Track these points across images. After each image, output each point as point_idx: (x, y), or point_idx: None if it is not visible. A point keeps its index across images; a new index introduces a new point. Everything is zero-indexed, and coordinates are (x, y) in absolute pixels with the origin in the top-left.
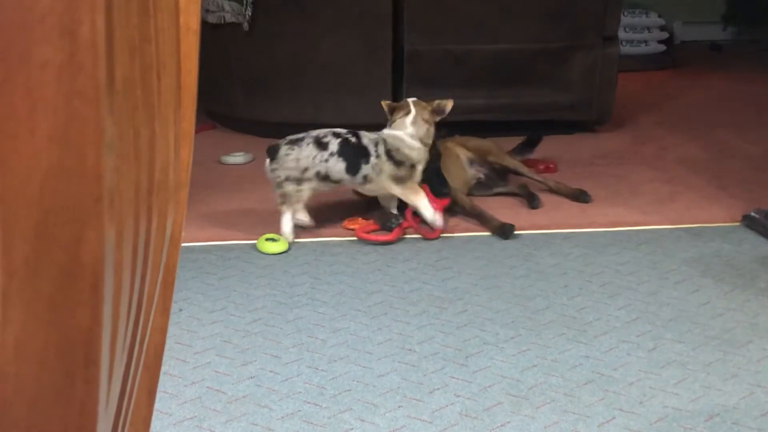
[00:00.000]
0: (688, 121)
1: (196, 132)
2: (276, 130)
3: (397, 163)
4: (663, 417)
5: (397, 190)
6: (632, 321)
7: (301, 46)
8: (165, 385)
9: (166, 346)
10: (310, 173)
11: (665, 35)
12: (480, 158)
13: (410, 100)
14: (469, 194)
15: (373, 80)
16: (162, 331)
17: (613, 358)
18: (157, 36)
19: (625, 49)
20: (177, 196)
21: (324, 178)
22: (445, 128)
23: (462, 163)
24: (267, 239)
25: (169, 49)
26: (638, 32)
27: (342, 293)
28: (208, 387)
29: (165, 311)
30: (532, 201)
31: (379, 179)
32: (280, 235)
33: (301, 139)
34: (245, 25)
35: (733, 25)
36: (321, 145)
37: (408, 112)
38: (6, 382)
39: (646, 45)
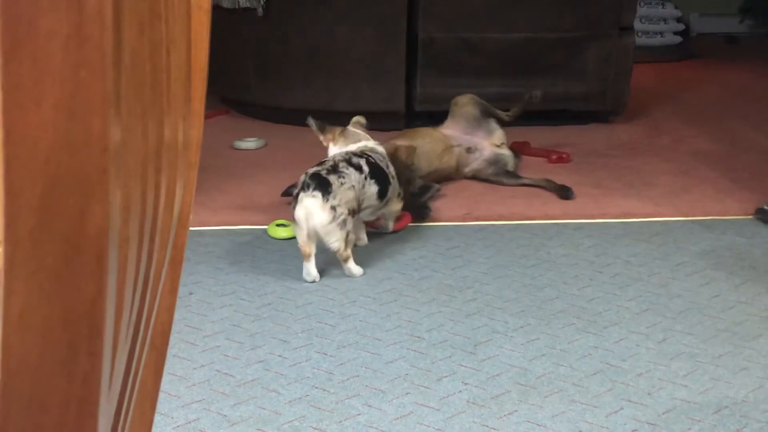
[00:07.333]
0: (702, 113)
1: (210, 117)
2: (289, 116)
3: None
4: (671, 408)
5: (397, 206)
6: (642, 312)
7: (315, 32)
8: (174, 367)
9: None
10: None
11: (681, 27)
12: (459, 119)
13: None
14: (485, 179)
15: (388, 67)
16: (169, 311)
17: (623, 348)
18: (168, 13)
19: (641, 40)
20: (186, 176)
21: (357, 209)
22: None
23: (436, 140)
24: (278, 224)
25: (179, 27)
26: (654, 23)
27: (352, 279)
28: (216, 370)
29: (172, 291)
30: (564, 192)
31: (390, 202)
32: (351, 273)
33: (336, 165)
34: (260, 11)
35: (750, 17)
36: (357, 167)
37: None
38: (10, 352)
39: (661, 36)
